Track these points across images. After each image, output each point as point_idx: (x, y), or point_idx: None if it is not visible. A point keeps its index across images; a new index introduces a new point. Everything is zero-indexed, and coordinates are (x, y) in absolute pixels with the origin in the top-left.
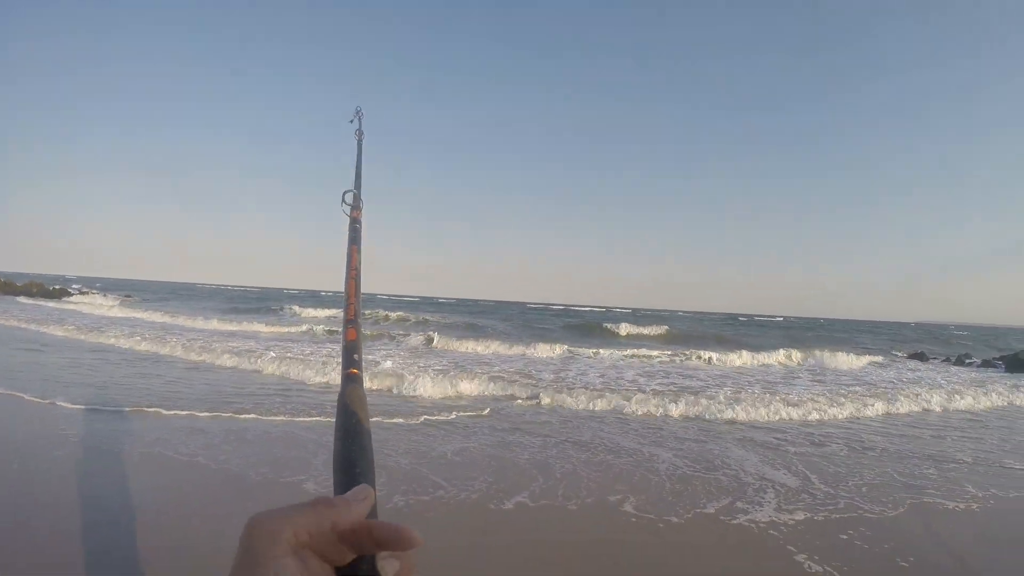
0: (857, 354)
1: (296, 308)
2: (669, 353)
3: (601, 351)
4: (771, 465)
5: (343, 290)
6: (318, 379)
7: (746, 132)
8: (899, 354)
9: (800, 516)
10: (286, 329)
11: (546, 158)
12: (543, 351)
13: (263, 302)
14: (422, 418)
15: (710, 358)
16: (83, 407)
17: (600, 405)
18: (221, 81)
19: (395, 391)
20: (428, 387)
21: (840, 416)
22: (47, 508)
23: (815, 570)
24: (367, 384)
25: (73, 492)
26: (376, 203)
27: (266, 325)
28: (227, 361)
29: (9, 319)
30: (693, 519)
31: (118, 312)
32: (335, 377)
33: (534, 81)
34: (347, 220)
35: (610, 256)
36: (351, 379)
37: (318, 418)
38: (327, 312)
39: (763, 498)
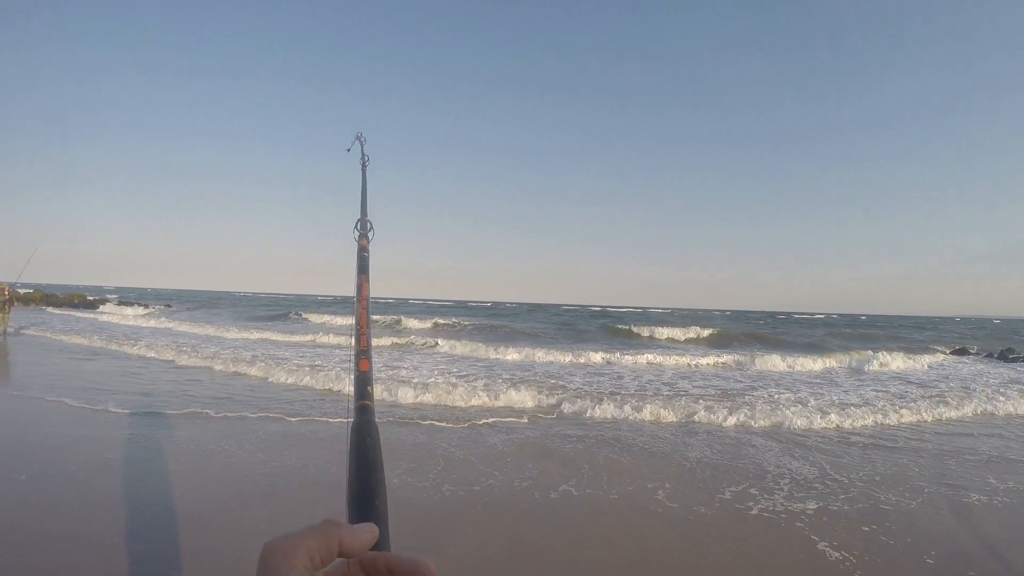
0: (930, 352)
1: (312, 316)
2: (727, 358)
3: (649, 356)
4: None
5: (354, 320)
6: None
7: (783, 128)
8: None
9: None
10: (327, 338)
11: (571, 159)
12: (595, 358)
13: (287, 308)
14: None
15: (768, 362)
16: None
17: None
18: (216, 84)
19: (440, 402)
20: (464, 396)
21: None
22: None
23: None
24: (409, 397)
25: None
26: (407, 209)
27: (313, 335)
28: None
29: (58, 333)
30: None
31: (174, 325)
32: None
33: (561, 83)
34: (356, 247)
35: (646, 256)
36: (364, 411)
37: None
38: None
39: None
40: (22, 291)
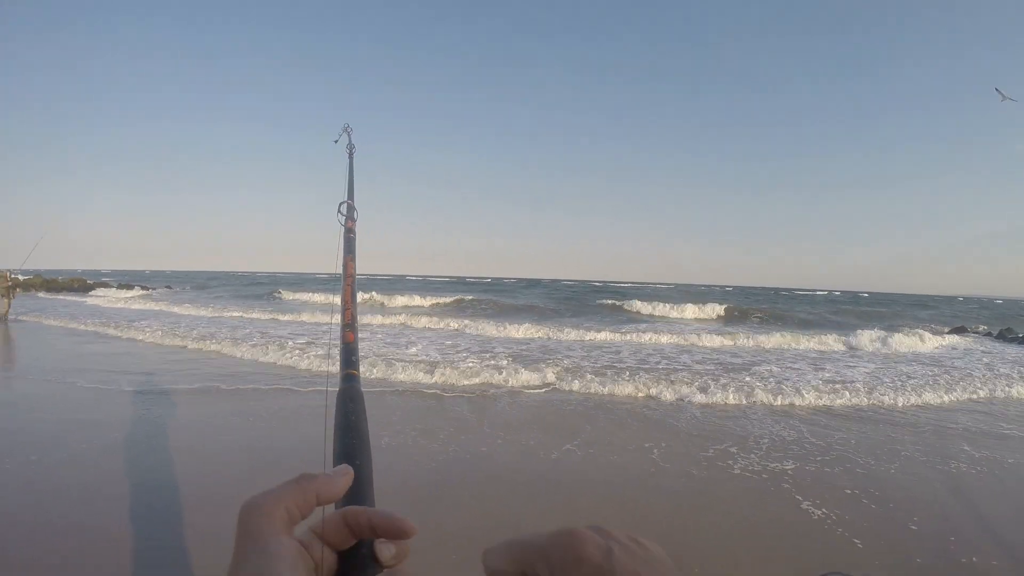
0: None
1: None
2: (727, 335)
3: (650, 334)
4: None
5: (340, 297)
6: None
7: (796, 105)
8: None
9: None
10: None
11: (572, 134)
12: (605, 336)
13: (277, 286)
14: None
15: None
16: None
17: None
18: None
19: (446, 381)
20: (466, 374)
21: None
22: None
23: None
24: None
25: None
26: (405, 189)
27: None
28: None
29: (49, 318)
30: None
31: (189, 310)
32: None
33: (565, 57)
34: (342, 230)
35: (653, 232)
36: (350, 378)
37: None
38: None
39: None
40: (22, 278)
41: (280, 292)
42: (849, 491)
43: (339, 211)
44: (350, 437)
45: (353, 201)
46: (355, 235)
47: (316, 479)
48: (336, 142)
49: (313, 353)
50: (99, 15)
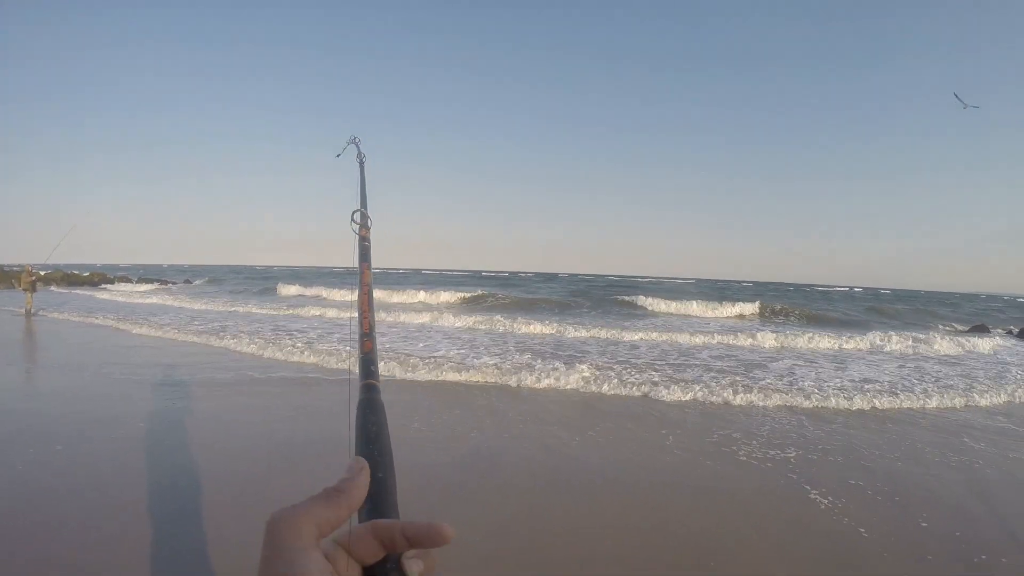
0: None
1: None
2: (747, 332)
3: (660, 331)
4: None
5: (356, 305)
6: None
7: (815, 98)
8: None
9: None
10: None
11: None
12: (633, 335)
13: (292, 280)
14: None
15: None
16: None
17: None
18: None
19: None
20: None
21: None
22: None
23: None
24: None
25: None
26: (423, 184)
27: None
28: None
29: (51, 310)
30: None
31: (223, 307)
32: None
33: (584, 42)
34: (356, 238)
35: (673, 226)
36: (370, 388)
37: None
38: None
39: None
40: (43, 272)
41: (288, 287)
42: (926, 524)
43: (352, 219)
44: (372, 449)
45: (366, 209)
46: (370, 243)
47: (343, 491)
48: (339, 156)
49: (334, 361)
50: (108, 9)
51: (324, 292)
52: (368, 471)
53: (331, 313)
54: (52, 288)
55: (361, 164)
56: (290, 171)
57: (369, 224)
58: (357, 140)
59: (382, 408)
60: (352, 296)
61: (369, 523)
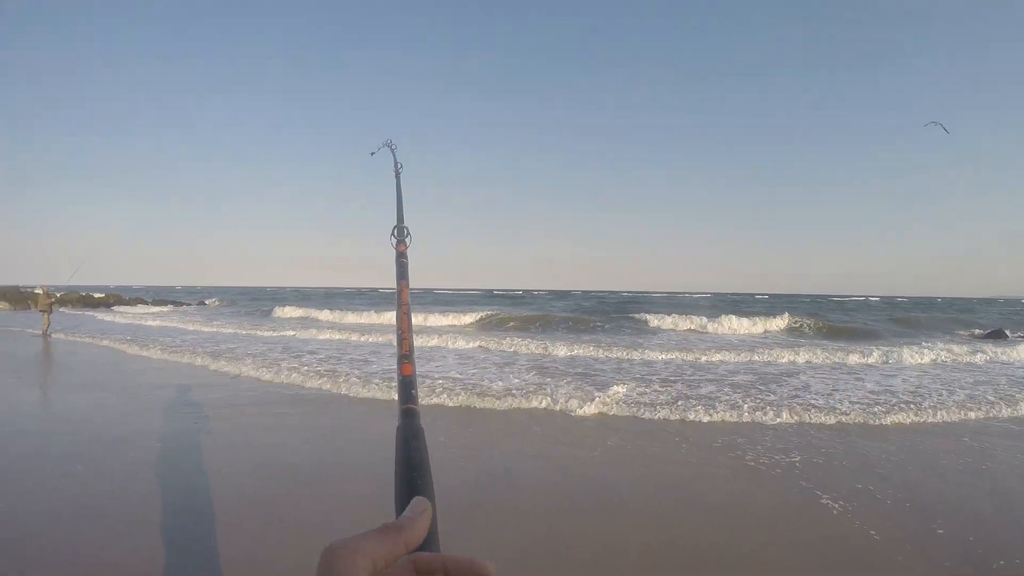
0: None
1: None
2: (765, 348)
3: (678, 350)
4: None
5: (395, 325)
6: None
7: (824, 99)
8: None
9: None
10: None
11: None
12: (642, 355)
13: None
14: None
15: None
16: None
17: None
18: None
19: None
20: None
21: None
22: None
23: None
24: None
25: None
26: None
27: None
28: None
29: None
30: None
31: (220, 327)
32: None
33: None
34: (394, 254)
35: (687, 239)
36: (409, 414)
37: None
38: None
39: None
40: (59, 294)
41: (317, 311)
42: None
43: (392, 235)
44: (415, 476)
45: (404, 223)
46: (407, 259)
47: (402, 529)
48: (373, 155)
49: (373, 386)
50: (124, 21)
51: (330, 314)
52: (430, 513)
53: (337, 335)
54: (64, 310)
55: (397, 175)
56: (311, 191)
57: (408, 240)
58: (392, 145)
59: (423, 434)
60: (359, 318)
61: (411, 556)
